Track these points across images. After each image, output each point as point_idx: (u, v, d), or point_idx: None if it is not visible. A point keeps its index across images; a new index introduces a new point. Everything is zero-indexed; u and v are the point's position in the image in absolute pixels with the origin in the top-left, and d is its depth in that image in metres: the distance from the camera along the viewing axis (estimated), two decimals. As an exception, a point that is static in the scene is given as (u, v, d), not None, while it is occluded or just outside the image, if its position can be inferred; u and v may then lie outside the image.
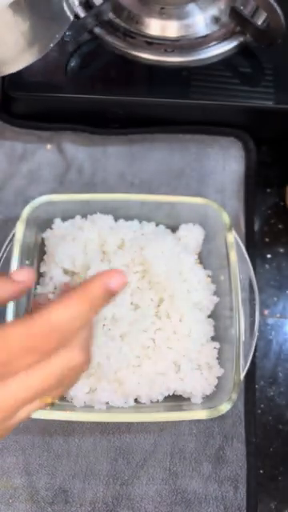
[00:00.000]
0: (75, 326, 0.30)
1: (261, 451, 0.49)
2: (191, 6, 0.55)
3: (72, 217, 0.50)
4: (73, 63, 0.55)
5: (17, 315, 0.44)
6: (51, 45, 0.47)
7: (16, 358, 0.28)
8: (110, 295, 0.31)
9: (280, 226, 0.56)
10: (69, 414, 0.44)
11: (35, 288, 0.49)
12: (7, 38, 0.45)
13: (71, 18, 0.47)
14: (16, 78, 0.54)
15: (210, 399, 0.46)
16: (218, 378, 0.46)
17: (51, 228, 0.50)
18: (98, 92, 0.55)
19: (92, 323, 0.34)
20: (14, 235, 0.47)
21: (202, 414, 0.43)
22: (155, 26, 0.55)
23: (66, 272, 0.48)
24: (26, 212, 0.47)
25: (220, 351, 0.47)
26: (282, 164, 0.58)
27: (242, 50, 0.55)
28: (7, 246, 0.48)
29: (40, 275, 0.50)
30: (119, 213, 0.51)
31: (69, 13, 0.46)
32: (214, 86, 0.55)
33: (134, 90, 0.55)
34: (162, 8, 0.55)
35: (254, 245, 0.53)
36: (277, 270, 0.54)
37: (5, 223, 0.53)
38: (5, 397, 0.29)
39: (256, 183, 0.56)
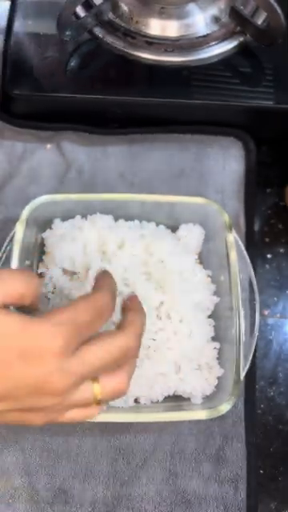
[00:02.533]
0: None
1: (261, 451, 0.49)
2: (191, 6, 0.55)
3: (72, 217, 0.50)
4: (73, 63, 0.55)
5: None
6: None
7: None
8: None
9: (280, 226, 0.56)
10: (69, 414, 0.44)
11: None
12: None
13: None
14: (16, 78, 0.54)
15: (210, 399, 0.46)
16: (218, 378, 0.46)
17: (51, 228, 0.50)
18: (97, 92, 0.55)
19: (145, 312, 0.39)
20: (14, 235, 0.47)
21: (201, 414, 0.43)
22: (155, 26, 0.55)
23: (65, 272, 0.48)
24: (26, 212, 0.47)
25: (220, 351, 0.47)
26: (282, 164, 0.58)
27: (242, 49, 0.55)
28: (7, 246, 0.47)
29: (39, 275, 0.50)
30: (119, 213, 0.51)
31: None
32: (214, 85, 0.55)
33: (134, 90, 0.55)
34: (162, 8, 0.55)
35: (254, 245, 0.53)
36: (277, 270, 0.54)
37: (5, 223, 0.53)
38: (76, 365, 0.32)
39: (256, 183, 0.56)
